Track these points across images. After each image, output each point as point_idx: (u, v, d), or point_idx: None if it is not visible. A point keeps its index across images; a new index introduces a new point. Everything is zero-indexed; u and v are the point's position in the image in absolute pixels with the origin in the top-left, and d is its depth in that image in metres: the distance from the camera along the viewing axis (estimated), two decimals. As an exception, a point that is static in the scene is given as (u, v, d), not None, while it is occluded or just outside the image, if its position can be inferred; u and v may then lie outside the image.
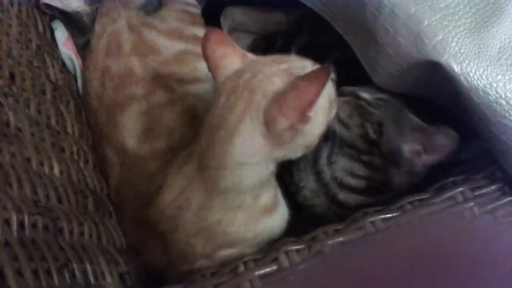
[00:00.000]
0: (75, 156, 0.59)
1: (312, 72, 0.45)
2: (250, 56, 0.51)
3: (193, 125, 0.57)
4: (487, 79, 0.48)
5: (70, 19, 0.73)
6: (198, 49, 0.67)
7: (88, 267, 0.45)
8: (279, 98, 0.44)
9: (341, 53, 0.65)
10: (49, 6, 0.72)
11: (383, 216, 0.49)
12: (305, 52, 0.52)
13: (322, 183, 0.61)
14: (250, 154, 0.46)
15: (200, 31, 0.72)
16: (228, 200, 0.49)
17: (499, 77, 0.49)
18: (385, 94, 0.59)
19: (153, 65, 0.64)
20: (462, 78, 0.49)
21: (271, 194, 0.52)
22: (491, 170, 0.52)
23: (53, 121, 0.58)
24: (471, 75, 0.49)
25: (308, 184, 0.62)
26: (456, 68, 0.49)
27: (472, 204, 0.49)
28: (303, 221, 0.57)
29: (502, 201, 0.49)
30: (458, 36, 0.50)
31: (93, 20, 0.72)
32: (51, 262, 0.39)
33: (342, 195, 0.60)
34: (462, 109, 0.52)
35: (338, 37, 0.60)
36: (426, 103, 0.58)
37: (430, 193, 0.51)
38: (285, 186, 0.59)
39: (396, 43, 0.52)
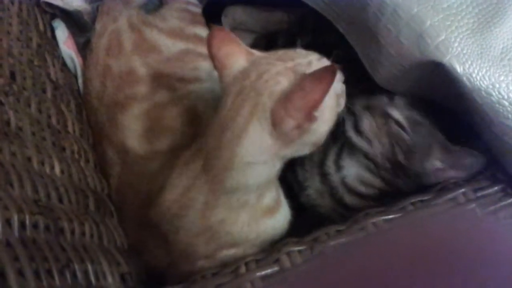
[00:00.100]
0: (76, 156, 0.58)
1: (318, 71, 0.44)
2: (256, 53, 0.50)
3: (194, 125, 0.57)
4: (489, 79, 0.48)
5: (70, 18, 0.73)
6: (199, 48, 0.67)
7: (90, 267, 0.45)
8: (285, 99, 0.44)
9: (343, 53, 0.64)
10: (49, 5, 0.72)
11: (385, 217, 0.49)
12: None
13: (328, 185, 0.60)
14: (257, 154, 0.46)
15: (201, 30, 0.72)
16: (232, 199, 0.48)
17: (502, 77, 0.49)
18: (415, 110, 0.58)
19: (154, 65, 0.64)
20: (464, 78, 0.48)
21: (274, 194, 0.52)
22: (493, 171, 0.52)
23: (53, 120, 0.58)
24: (474, 75, 0.48)
25: (313, 184, 0.62)
26: (459, 69, 0.49)
27: (474, 205, 0.49)
28: (305, 221, 0.57)
29: (504, 202, 0.49)
30: (461, 36, 0.49)
31: (93, 19, 0.72)
32: (53, 262, 0.39)
33: (350, 200, 0.60)
34: (464, 110, 0.52)
35: (340, 37, 0.60)
36: (453, 119, 0.57)
37: (432, 194, 0.51)
38: (288, 186, 0.59)
39: (399, 44, 0.52)
